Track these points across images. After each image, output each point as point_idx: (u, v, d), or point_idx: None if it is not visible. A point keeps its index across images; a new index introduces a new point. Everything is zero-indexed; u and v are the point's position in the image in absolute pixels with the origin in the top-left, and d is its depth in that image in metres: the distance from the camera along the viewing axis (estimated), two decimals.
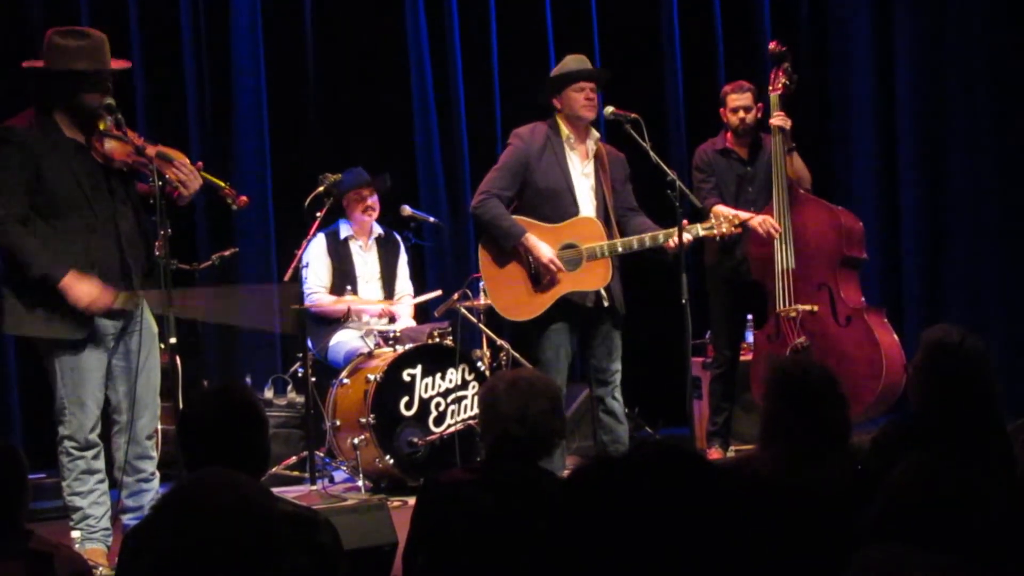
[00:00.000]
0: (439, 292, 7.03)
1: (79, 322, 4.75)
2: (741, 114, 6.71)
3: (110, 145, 4.81)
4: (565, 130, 5.94)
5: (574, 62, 6.06)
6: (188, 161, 4.94)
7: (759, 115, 6.74)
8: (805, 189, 6.67)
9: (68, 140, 4.80)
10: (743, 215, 6.40)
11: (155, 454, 5.01)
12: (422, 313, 7.45)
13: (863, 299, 6.59)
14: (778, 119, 6.57)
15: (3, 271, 4.85)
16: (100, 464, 4.88)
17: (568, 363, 5.94)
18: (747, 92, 6.74)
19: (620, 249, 5.85)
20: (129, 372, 4.91)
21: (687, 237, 5.70)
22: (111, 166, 4.83)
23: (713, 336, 7.08)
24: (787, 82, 6.64)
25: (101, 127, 4.79)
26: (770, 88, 6.65)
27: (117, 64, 4.90)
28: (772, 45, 6.79)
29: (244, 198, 5.05)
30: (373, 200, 7.03)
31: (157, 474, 5.01)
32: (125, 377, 4.92)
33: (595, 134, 6.04)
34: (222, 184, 5.00)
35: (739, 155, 6.77)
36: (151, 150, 4.81)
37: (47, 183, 4.74)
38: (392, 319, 7.08)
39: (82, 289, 4.69)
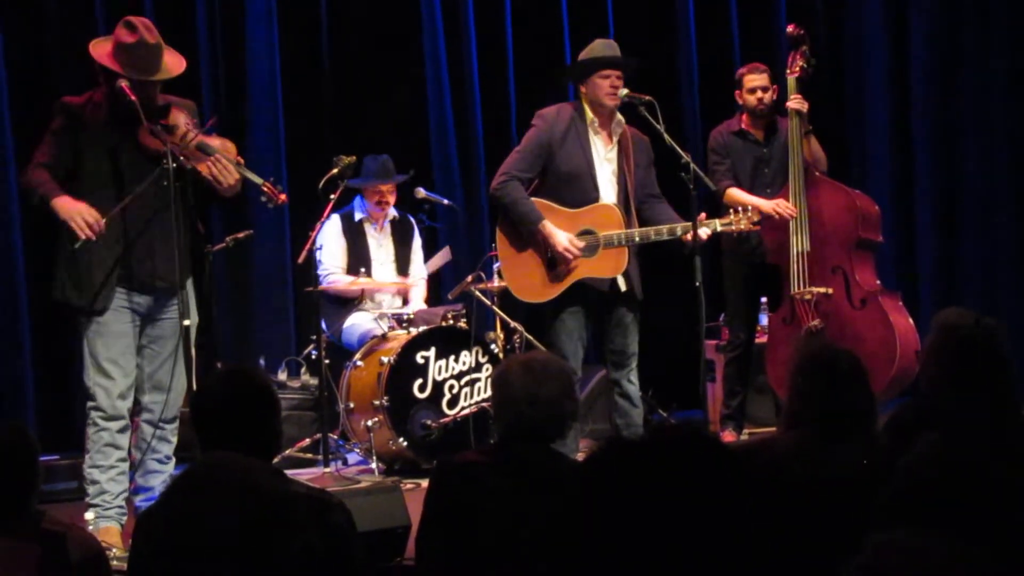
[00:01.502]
0: (448, 253, 7.05)
1: (96, 294, 4.76)
2: (759, 94, 6.69)
3: (145, 138, 4.78)
4: (590, 114, 5.84)
5: (603, 47, 5.92)
6: (234, 153, 4.89)
7: (775, 96, 6.73)
8: (821, 172, 6.65)
9: (116, 124, 4.77)
10: (757, 201, 6.38)
11: (174, 439, 5.00)
12: (436, 295, 7.44)
13: (878, 282, 6.58)
14: (795, 102, 6.56)
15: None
16: (124, 441, 4.86)
17: (583, 347, 5.89)
18: (763, 73, 6.73)
19: (637, 239, 5.80)
20: (155, 356, 4.92)
21: (705, 232, 5.65)
22: (148, 154, 4.78)
23: (728, 319, 7.08)
24: (805, 65, 6.63)
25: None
26: (788, 71, 6.65)
27: (171, 57, 4.82)
28: (790, 28, 6.80)
29: (283, 196, 4.94)
30: (391, 197, 7.05)
31: (172, 458, 5.01)
32: (150, 359, 4.93)
33: (620, 118, 5.92)
34: (260, 181, 4.89)
35: (755, 137, 6.75)
36: (193, 138, 4.75)
37: (85, 163, 4.74)
38: (406, 299, 7.09)
39: (73, 207, 4.61)
